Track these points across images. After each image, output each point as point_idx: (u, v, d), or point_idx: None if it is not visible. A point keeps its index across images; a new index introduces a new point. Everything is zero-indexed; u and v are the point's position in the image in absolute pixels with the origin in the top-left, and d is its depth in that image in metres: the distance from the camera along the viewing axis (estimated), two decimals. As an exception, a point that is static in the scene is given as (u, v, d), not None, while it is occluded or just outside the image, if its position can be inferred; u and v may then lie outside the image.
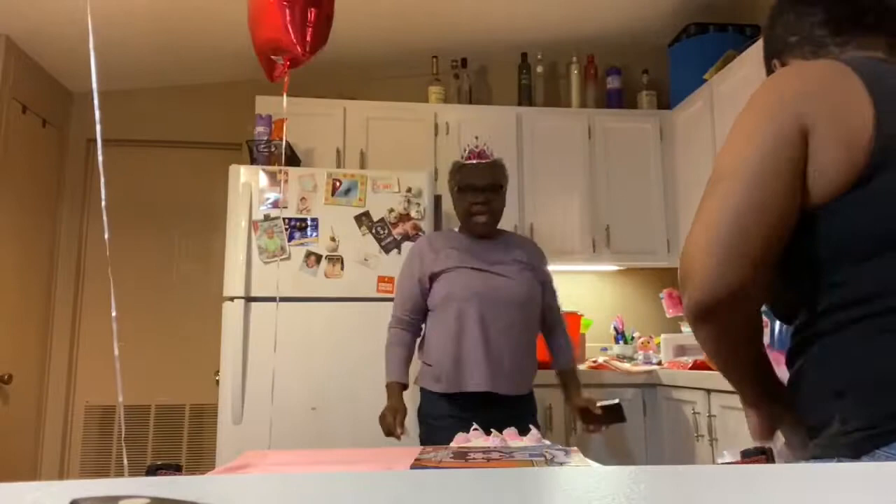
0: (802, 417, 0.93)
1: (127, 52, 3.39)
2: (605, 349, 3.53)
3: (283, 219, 2.81)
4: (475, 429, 1.53)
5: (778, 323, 2.14)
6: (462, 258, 2.23)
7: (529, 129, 3.54)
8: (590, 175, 3.55)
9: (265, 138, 3.09)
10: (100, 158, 1.17)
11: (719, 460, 1.34)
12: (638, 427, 3.02)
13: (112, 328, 1.17)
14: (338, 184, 2.88)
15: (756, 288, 0.87)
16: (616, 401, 2.31)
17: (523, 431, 1.63)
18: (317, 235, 2.83)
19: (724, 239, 0.86)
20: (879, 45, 0.98)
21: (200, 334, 3.54)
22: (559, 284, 3.71)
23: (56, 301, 3.64)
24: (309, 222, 2.83)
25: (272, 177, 2.85)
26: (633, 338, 3.51)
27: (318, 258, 2.82)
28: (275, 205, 2.82)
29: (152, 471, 0.99)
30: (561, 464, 1.19)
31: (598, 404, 2.28)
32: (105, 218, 1.19)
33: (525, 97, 3.73)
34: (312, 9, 1.73)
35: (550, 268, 3.47)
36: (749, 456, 1.11)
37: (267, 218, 2.81)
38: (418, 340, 2.33)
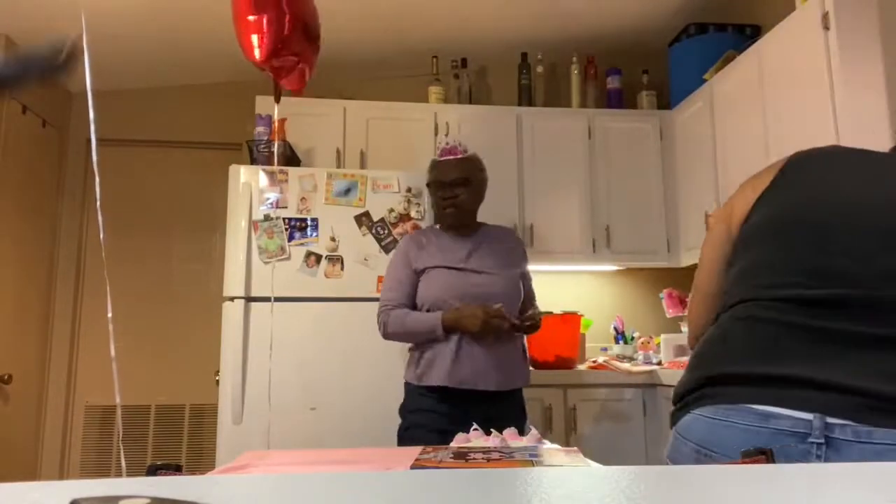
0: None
1: (127, 52, 3.39)
2: (605, 349, 3.53)
3: (283, 219, 2.81)
4: (475, 429, 1.53)
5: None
6: (443, 257, 2.26)
7: (529, 129, 3.54)
8: (590, 175, 3.55)
9: (265, 138, 3.09)
10: (94, 158, 1.16)
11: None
12: (638, 427, 3.02)
13: (109, 328, 1.17)
14: (338, 184, 2.88)
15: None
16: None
17: (507, 425, 1.65)
18: (317, 235, 2.83)
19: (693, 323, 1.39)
20: None
21: (200, 334, 3.54)
22: (559, 284, 3.73)
23: (56, 301, 3.64)
24: (309, 222, 2.83)
25: (272, 177, 2.85)
26: (633, 338, 3.51)
27: (318, 258, 2.82)
28: (275, 205, 2.82)
29: (152, 471, 0.99)
30: (561, 464, 1.19)
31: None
32: (100, 218, 1.19)
33: (525, 97, 3.73)
34: (264, 15, 1.75)
35: (550, 268, 3.49)
36: (749, 456, 1.10)
37: (267, 218, 2.81)
38: None
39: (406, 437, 2.16)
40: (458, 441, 1.49)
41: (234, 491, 0.63)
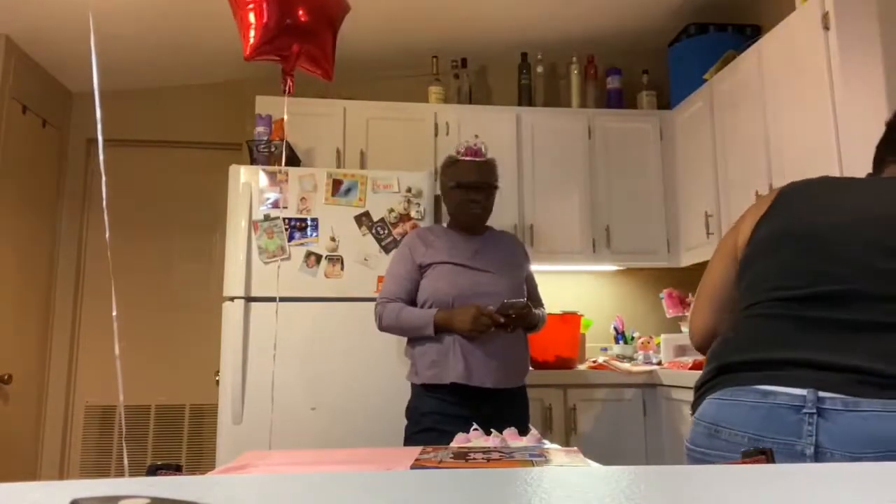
0: None
1: (127, 52, 3.39)
2: (605, 349, 3.53)
3: (283, 219, 2.81)
4: (475, 429, 1.53)
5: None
6: (450, 254, 2.28)
7: (529, 129, 3.54)
8: (590, 175, 3.55)
9: (265, 138, 3.09)
10: (101, 157, 1.16)
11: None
12: (638, 427, 3.02)
13: (112, 328, 1.17)
14: (338, 184, 2.88)
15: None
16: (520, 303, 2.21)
17: (511, 425, 1.65)
18: (317, 235, 2.83)
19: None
20: None
21: (200, 334, 3.55)
22: (559, 284, 3.73)
23: (56, 301, 3.64)
24: (309, 222, 2.83)
25: (272, 177, 2.85)
26: (633, 338, 3.51)
27: (318, 258, 2.82)
28: (275, 205, 2.82)
29: (152, 471, 0.99)
30: (561, 464, 1.19)
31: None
32: (106, 218, 1.18)
33: (525, 97, 3.73)
34: (254, 11, 1.76)
35: (550, 268, 3.49)
36: (749, 456, 1.10)
37: (267, 218, 2.81)
38: (405, 338, 2.34)
39: (418, 439, 2.13)
40: (458, 441, 1.49)
41: (234, 491, 0.63)
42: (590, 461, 1.22)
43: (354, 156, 3.39)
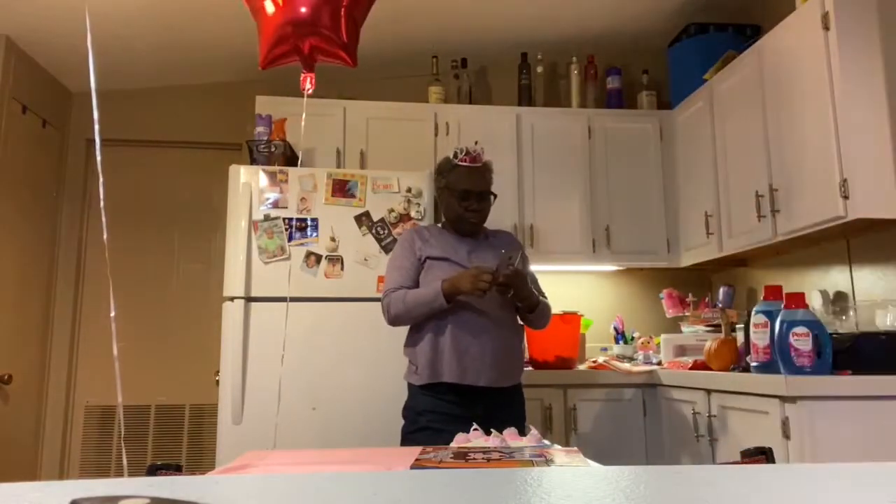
0: None
1: (127, 52, 3.39)
2: (605, 349, 3.53)
3: (283, 219, 2.81)
4: (475, 429, 1.53)
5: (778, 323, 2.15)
6: (446, 251, 2.28)
7: (529, 129, 3.54)
8: (590, 175, 3.55)
9: (265, 138, 3.09)
10: (98, 158, 1.16)
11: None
12: (638, 427, 3.02)
13: (112, 328, 1.17)
14: (338, 184, 2.88)
15: None
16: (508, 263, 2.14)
17: (507, 424, 1.65)
18: (317, 235, 2.82)
19: None
20: None
21: (200, 334, 3.55)
22: (559, 285, 3.72)
23: (56, 301, 3.64)
24: (309, 222, 2.83)
25: (272, 177, 2.85)
26: (633, 338, 3.51)
27: (318, 258, 2.82)
28: (275, 205, 2.82)
29: (152, 471, 0.99)
30: (561, 464, 1.19)
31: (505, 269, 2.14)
32: (104, 218, 1.18)
33: (525, 97, 3.73)
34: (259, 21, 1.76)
35: (550, 268, 3.49)
36: (749, 456, 1.11)
37: (267, 218, 2.81)
38: (404, 338, 2.34)
39: (413, 438, 2.15)
40: (458, 441, 1.49)
41: (234, 491, 0.63)
42: (590, 461, 1.22)
43: (354, 156, 3.39)
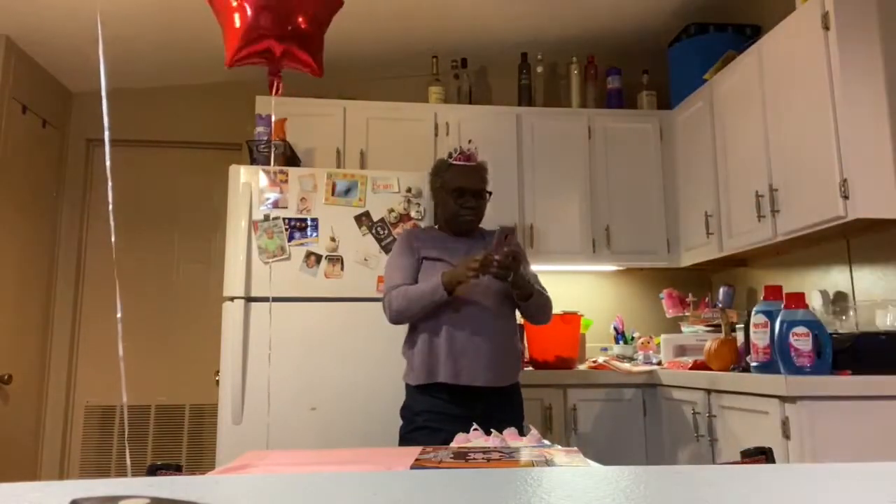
0: None
1: (127, 53, 3.39)
2: (605, 349, 3.53)
3: (283, 219, 2.81)
4: (475, 429, 1.53)
5: (779, 322, 2.15)
6: (441, 252, 2.28)
7: (529, 129, 3.54)
8: (590, 175, 3.55)
9: (265, 138, 3.09)
10: (108, 163, 1.16)
11: None
12: (638, 427, 3.02)
13: (115, 328, 1.17)
14: (338, 184, 2.88)
15: None
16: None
17: (505, 423, 1.66)
18: (317, 235, 2.82)
19: None
20: None
21: (200, 334, 3.55)
22: (559, 284, 3.72)
23: (56, 301, 3.64)
24: (309, 222, 2.83)
25: (272, 177, 2.85)
26: (633, 338, 3.51)
27: (318, 258, 2.82)
28: (275, 205, 2.82)
29: (152, 471, 0.99)
30: (561, 464, 1.19)
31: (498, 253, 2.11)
32: (112, 221, 1.18)
33: (525, 97, 3.73)
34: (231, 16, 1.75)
35: (550, 268, 3.49)
36: (749, 456, 1.11)
37: (267, 218, 2.81)
38: (404, 337, 2.34)
39: (411, 438, 2.16)
40: (458, 441, 1.49)
41: (234, 491, 0.63)
42: (590, 461, 1.22)
43: (354, 156, 3.39)
